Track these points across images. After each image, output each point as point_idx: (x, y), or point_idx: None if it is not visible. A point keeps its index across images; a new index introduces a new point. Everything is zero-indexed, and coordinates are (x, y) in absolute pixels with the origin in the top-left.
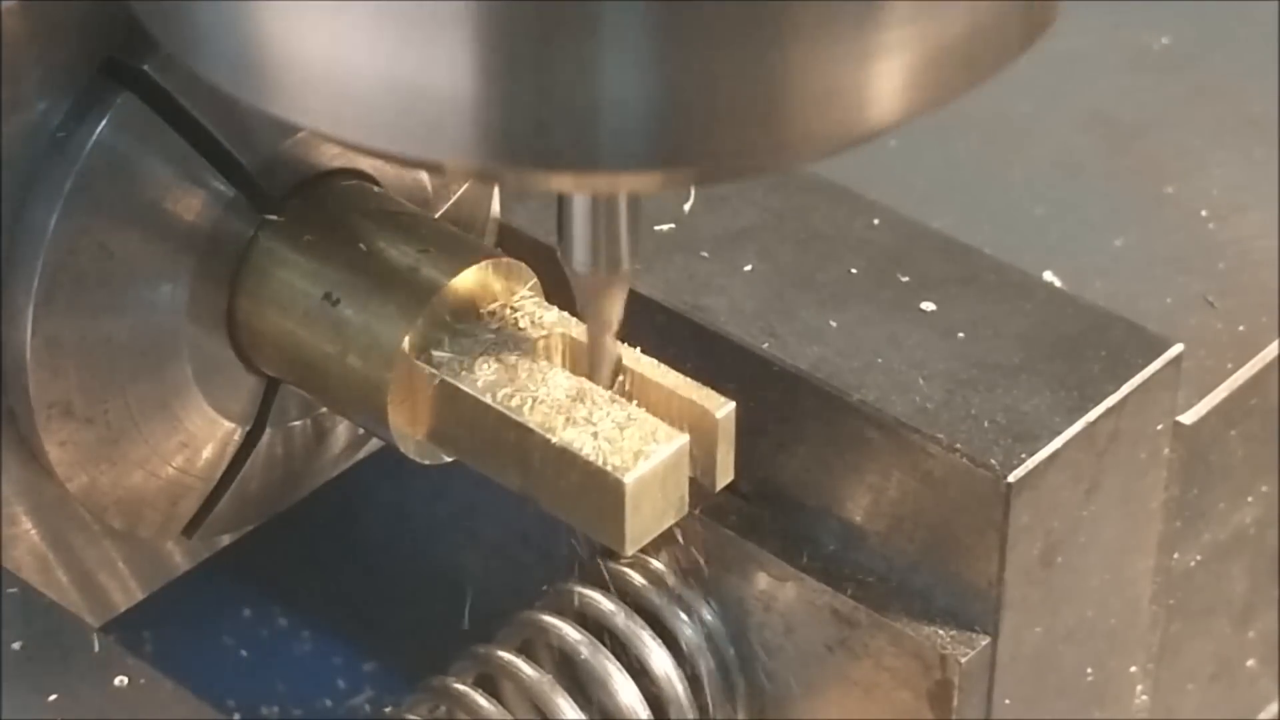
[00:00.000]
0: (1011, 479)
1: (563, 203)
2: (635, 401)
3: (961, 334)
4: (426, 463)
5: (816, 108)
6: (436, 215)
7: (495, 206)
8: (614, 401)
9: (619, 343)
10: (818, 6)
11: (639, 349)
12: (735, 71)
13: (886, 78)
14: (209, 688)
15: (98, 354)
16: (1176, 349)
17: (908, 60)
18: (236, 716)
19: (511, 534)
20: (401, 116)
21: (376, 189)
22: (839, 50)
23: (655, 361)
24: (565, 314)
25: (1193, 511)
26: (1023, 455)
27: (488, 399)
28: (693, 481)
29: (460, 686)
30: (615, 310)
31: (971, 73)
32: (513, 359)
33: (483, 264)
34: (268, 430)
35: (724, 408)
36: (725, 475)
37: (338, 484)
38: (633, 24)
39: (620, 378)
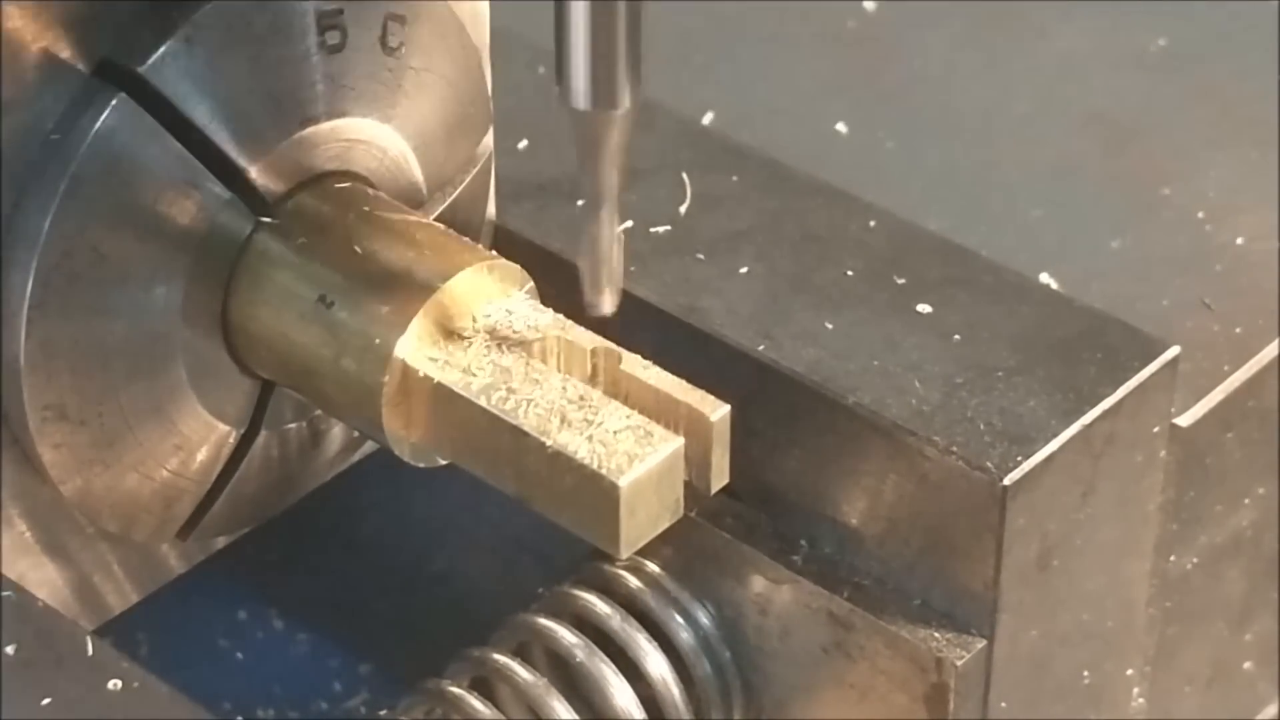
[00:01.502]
0: (1007, 482)
1: (561, 33)
2: (629, 405)
3: (958, 336)
4: (421, 466)
5: None
6: (431, 218)
7: (491, 209)
8: (609, 404)
9: (608, 344)
10: None
11: (634, 352)
12: None
13: None
14: (205, 690)
15: (92, 357)
16: (1173, 351)
17: None
18: (238, 719)
19: (507, 536)
20: None
21: (371, 191)
22: None
23: (650, 364)
24: (560, 317)
25: (1189, 514)
26: (1019, 458)
27: (482, 402)
28: (688, 484)
29: (455, 689)
30: (614, 154)
31: None
32: (507, 362)
33: (477, 267)
34: (262, 433)
35: (718, 411)
36: (720, 479)
37: (333, 486)
38: None
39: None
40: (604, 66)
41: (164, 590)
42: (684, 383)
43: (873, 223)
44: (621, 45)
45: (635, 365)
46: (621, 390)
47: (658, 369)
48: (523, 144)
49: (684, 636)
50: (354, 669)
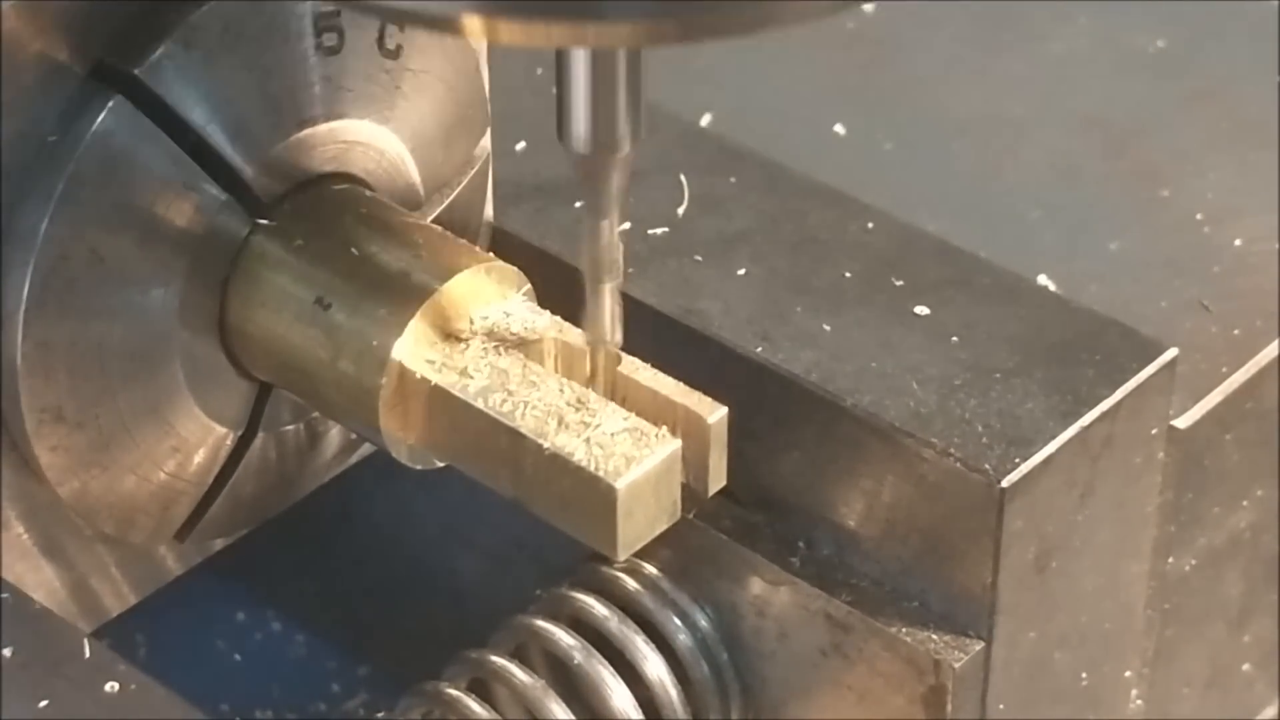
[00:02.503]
0: (1005, 484)
1: (562, 80)
2: (627, 407)
3: (956, 338)
4: (419, 468)
5: None
6: (429, 219)
7: (488, 210)
8: (606, 407)
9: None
10: None
11: (632, 353)
12: None
13: None
14: (203, 692)
15: (89, 359)
16: (1171, 353)
17: None
18: None
19: (505, 538)
20: None
21: (369, 193)
22: None
23: (647, 366)
24: (557, 319)
25: (1188, 516)
26: (1017, 460)
27: (480, 404)
28: (685, 486)
29: (453, 691)
30: (615, 196)
31: None
32: (504, 364)
33: (475, 269)
34: (260, 435)
35: (716, 413)
36: (717, 481)
37: (331, 488)
38: None
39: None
40: (605, 113)
41: (162, 592)
42: (682, 385)
43: (871, 224)
44: (622, 92)
45: (633, 367)
46: (620, 392)
47: (655, 371)
48: (520, 146)
49: (682, 638)
50: (352, 670)
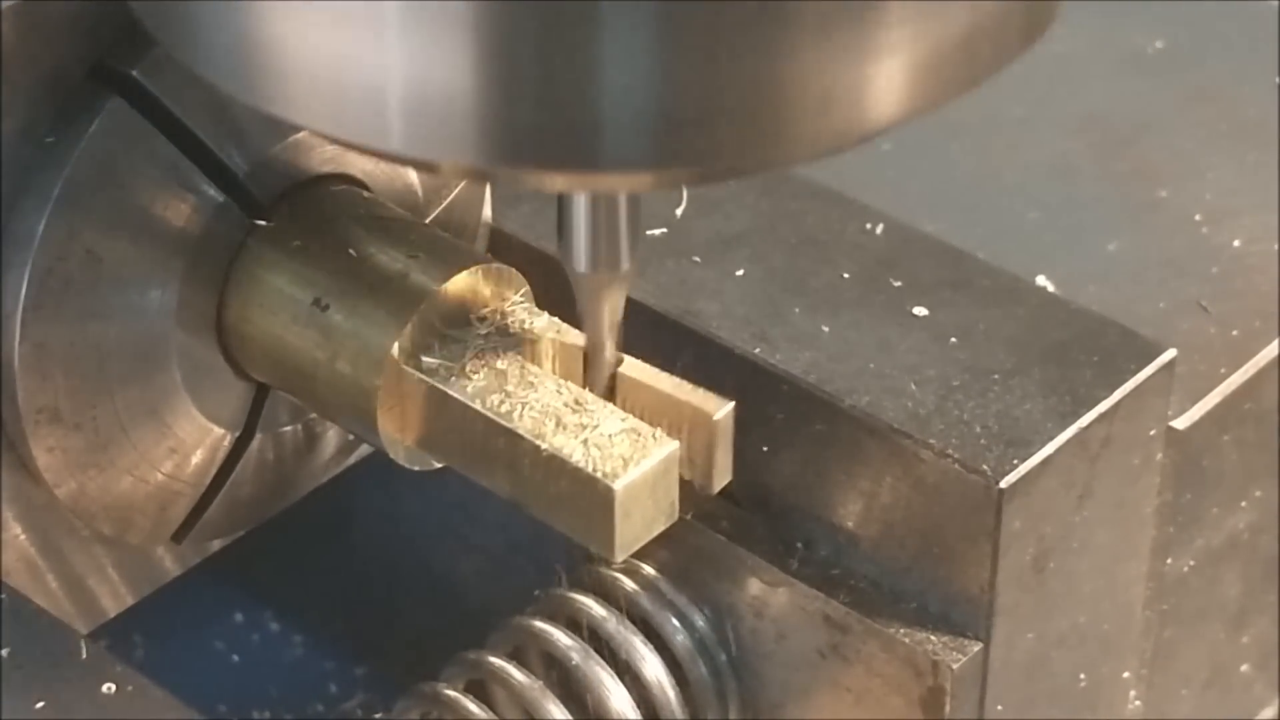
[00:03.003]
0: (1004, 485)
1: (563, 203)
2: (630, 406)
3: (954, 339)
4: (416, 469)
5: (815, 107)
6: (427, 220)
7: (487, 211)
8: (604, 408)
9: (618, 346)
10: (818, 6)
11: (630, 354)
12: (734, 71)
13: (886, 78)
14: (201, 692)
15: (86, 359)
16: (1170, 354)
17: (907, 60)
18: None
19: (503, 539)
20: (401, 116)
21: (366, 194)
22: (839, 49)
23: (649, 366)
24: (555, 320)
25: (1186, 517)
26: (1015, 461)
27: (477, 405)
28: (683, 487)
29: (451, 692)
30: (615, 310)
31: (971, 72)
32: (502, 365)
33: (473, 269)
34: (257, 436)
35: (722, 409)
36: (723, 477)
37: (329, 489)
38: (632, 24)
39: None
40: (606, 235)
41: (159, 593)
42: (684, 382)
43: (869, 225)
44: (624, 217)
45: (635, 367)
46: (622, 392)
47: (657, 370)
48: None
49: (680, 639)
50: (349, 671)
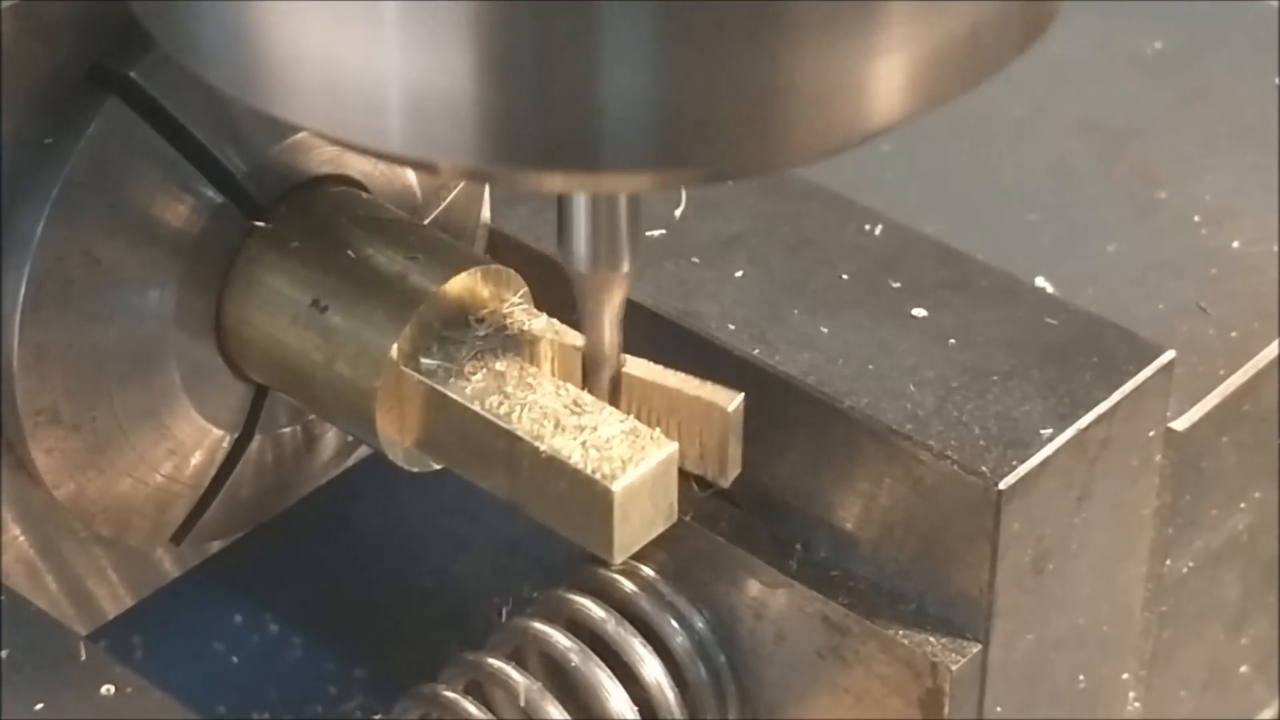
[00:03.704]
0: (1003, 486)
1: (563, 203)
2: (639, 406)
3: (953, 340)
4: (415, 470)
5: (816, 109)
6: (426, 221)
7: (485, 212)
8: (603, 409)
9: (619, 347)
10: (819, 6)
11: (628, 355)
12: (734, 73)
13: (886, 78)
14: (200, 694)
15: (85, 361)
16: (1168, 355)
17: (907, 61)
18: None
19: (502, 540)
20: (401, 117)
21: (365, 195)
22: (839, 50)
23: (654, 364)
24: (554, 321)
25: (1185, 518)
26: (1014, 462)
27: (476, 406)
28: (682, 488)
29: (450, 693)
30: (615, 311)
31: (971, 73)
32: (501, 366)
33: (472, 271)
34: (256, 437)
35: (734, 400)
36: (734, 469)
37: (328, 490)
38: (633, 25)
39: (616, 379)
40: (606, 235)
41: (158, 594)
42: (691, 378)
43: (868, 226)
44: (624, 217)
45: (640, 366)
46: (629, 392)
47: (662, 368)
48: None
49: (679, 640)
50: (349, 673)
